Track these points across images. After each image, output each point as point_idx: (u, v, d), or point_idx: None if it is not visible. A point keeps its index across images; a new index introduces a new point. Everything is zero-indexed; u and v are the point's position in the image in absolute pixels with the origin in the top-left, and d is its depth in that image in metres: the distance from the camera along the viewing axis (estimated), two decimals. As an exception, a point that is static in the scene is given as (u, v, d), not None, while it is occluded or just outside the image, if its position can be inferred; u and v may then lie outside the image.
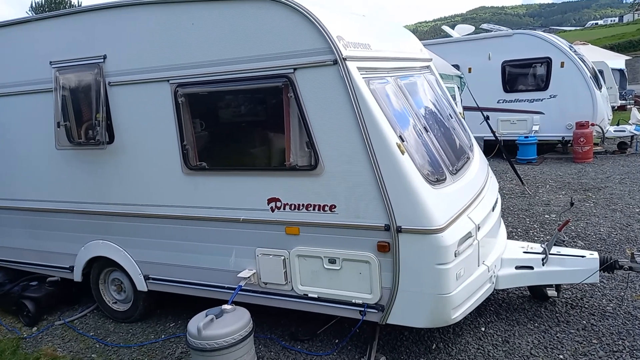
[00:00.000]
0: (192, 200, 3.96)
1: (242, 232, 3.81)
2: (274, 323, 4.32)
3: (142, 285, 4.40)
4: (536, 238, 6.03)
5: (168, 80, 3.83)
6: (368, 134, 3.21)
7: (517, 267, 4.01)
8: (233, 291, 3.91)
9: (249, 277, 3.76)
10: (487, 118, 8.38)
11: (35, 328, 4.74)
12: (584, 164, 10.26)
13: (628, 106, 17.14)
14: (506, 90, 11.50)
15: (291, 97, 3.41)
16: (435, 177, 3.47)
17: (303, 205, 3.54)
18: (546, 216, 6.92)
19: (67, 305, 5.13)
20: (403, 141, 3.32)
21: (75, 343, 4.39)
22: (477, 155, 4.68)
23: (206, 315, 3.37)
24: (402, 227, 3.22)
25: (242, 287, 3.75)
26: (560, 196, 7.95)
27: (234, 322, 3.35)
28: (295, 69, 3.35)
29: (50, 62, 4.30)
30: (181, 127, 3.85)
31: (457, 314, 3.39)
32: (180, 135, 3.87)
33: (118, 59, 4.03)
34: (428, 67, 5.03)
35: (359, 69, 3.33)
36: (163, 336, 4.36)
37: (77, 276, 4.73)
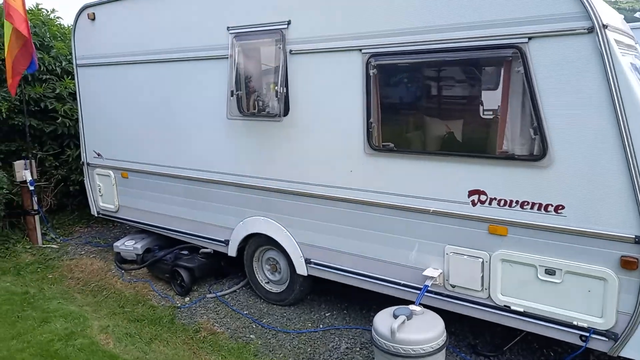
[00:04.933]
0: (373, 184, 3.57)
1: (431, 225, 3.35)
2: (444, 329, 3.85)
3: (302, 269, 4.14)
4: None
5: (360, 50, 3.44)
6: (626, 121, 2.57)
7: None
8: (408, 289, 3.52)
9: (435, 277, 3.31)
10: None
11: (188, 298, 4.71)
12: None
13: None
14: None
15: (518, 72, 2.86)
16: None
17: (517, 201, 2.99)
18: None
19: (214, 278, 5.07)
20: (665, 134, 2.63)
21: (231, 320, 4.26)
22: None
23: (395, 315, 2.98)
24: (661, 241, 2.56)
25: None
26: None
27: (428, 327, 2.93)
28: (530, 38, 2.78)
29: (228, 27, 4.12)
30: (369, 102, 3.46)
31: None
32: (367, 112, 3.48)
33: (303, 25, 3.72)
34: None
35: (615, 41, 2.69)
36: (321, 326, 4.07)
37: (232, 251, 4.60)
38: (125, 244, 5.53)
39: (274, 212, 4.21)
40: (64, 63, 6.62)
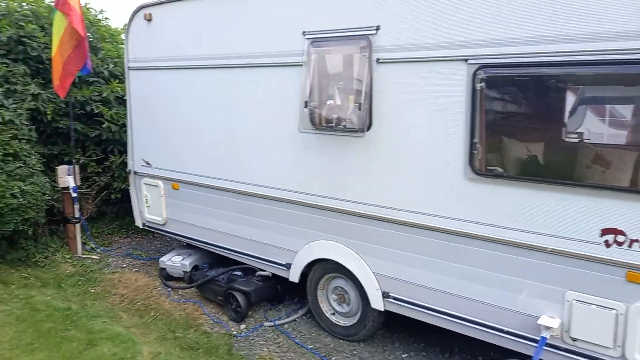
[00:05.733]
0: (474, 213, 3.11)
1: (548, 266, 2.88)
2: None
3: (378, 303, 3.69)
4: None
5: (466, 60, 3.00)
6: None
7: None
8: (511, 336, 3.04)
9: (554, 328, 2.83)
10: None
11: (244, 325, 4.30)
12: None
13: None
14: None
15: (680, 93, 2.38)
16: None
17: (667, 246, 2.50)
18: None
19: (269, 303, 4.66)
20: None
21: (295, 355, 3.83)
22: None
23: (513, 375, 2.51)
24: None
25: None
26: None
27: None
28: (701, 52, 2.31)
29: (304, 32, 3.73)
30: (474, 120, 3.02)
31: None
32: (471, 131, 3.03)
33: (395, 31, 3.29)
34: None
35: None
36: (400, 369, 3.63)
37: (294, 276, 4.18)
38: (172, 259, 5.17)
39: (347, 237, 3.78)
40: (111, 66, 6.33)
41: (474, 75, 2.97)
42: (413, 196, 3.36)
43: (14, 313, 4.21)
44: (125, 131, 6.17)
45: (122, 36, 6.57)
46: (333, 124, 3.65)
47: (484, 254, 3.11)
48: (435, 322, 3.46)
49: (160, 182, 5.14)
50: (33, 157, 5.24)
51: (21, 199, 4.87)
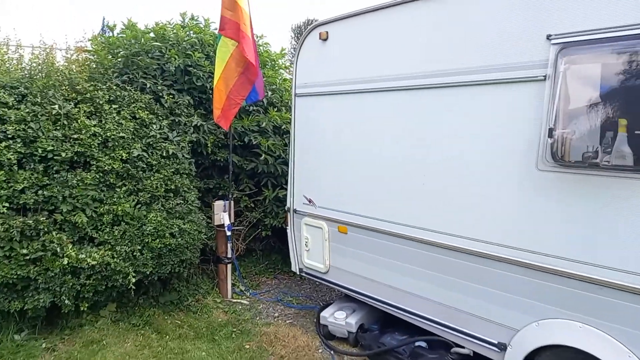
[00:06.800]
0: None
1: None
2: None
3: None
4: None
5: None
6: None
7: None
8: None
9: None
10: None
11: (439, 420, 3.30)
12: None
13: None
14: None
15: None
16: None
17: None
18: None
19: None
20: None
21: None
22: None
23: None
24: None
25: None
26: None
27: None
28: None
29: (549, 35, 2.77)
30: None
31: None
32: None
33: None
34: None
35: None
36: None
37: (513, 363, 3.11)
38: (335, 315, 4.39)
39: (606, 319, 2.64)
40: (269, 93, 5.93)
41: None
42: None
43: (169, 372, 3.70)
44: (280, 163, 5.71)
45: (280, 61, 6.20)
46: (596, 160, 2.60)
47: None
48: None
49: (324, 224, 4.43)
50: (192, 193, 4.90)
51: (179, 239, 4.49)
